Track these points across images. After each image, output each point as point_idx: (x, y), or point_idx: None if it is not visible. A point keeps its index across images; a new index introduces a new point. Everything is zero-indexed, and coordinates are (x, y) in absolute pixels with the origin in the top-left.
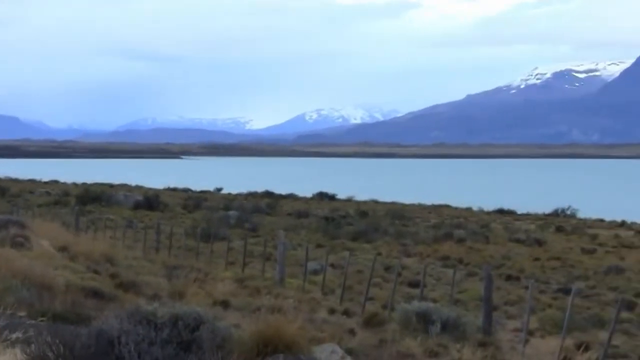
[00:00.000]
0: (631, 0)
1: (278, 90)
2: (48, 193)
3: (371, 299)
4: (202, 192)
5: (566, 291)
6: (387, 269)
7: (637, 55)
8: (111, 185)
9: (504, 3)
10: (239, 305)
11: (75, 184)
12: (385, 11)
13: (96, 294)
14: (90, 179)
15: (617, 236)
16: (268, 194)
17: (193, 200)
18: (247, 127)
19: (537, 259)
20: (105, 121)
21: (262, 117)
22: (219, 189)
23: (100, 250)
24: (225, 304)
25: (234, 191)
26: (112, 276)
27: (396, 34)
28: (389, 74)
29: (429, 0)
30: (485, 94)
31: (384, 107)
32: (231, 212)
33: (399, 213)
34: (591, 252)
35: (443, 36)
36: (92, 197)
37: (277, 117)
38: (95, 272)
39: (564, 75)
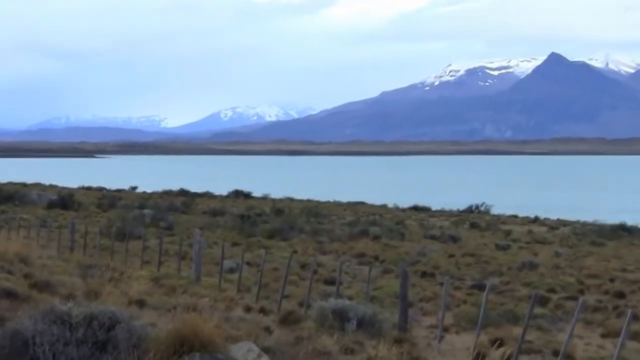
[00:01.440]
0: None
1: (193, 88)
2: None
3: (287, 296)
4: (117, 190)
5: (481, 287)
6: (303, 266)
7: (549, 52)
8: (25, 185)
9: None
10: (155, 305)
11: None
12: (301, 8)
13: (10, 294)
14: (3, 178)
15: (530, 232)
16: (183, 193)
17: (108, 199)
18: (162, 125)
19: (451, 256)
20: (17, 120)
21: (177, 115)
22: (134, 188)
23: (14, 250)
24: (141, 303)
25: (149, 190)
26: (26, 276)
27: (312, 31)
28: (304, 71)
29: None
30: (400, 90)
31: (299, 105)
32: (146, 211)
33: (314, 211)
34: (505, 248)
35: (358, 33)
36: (6, 196)
37: (192, 115)
38: (9, 272)
39: (477, 72)
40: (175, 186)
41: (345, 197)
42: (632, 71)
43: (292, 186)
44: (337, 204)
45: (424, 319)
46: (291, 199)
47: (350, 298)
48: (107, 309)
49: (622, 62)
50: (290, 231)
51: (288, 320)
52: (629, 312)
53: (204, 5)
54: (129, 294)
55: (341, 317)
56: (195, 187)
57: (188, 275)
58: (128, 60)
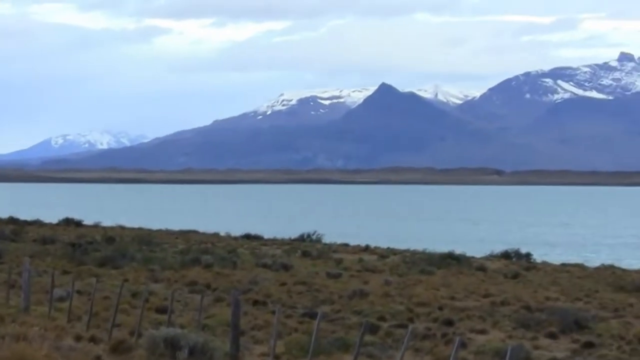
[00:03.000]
0: (375, 30)
1: (23, 115)
2: None
3: (118, 325)
4: None
5: (312, 315)
6: (135, 295)
7: (380, 83)
8: None
9: (252, 29)
10: None
11: None
12: (135, 36)
13: None
14: None
15: (361, 260)
16: (12, 220)
17: None
18: None
19: (283, 284)
20: None
21: (6, 142)
22: None
23: None
24: None
25: None
26: None
27: (145, 59)
28: (136, 99)
29: (179, 26)
30: (232, 119)
31: (131, 133)
32: None
33: (146, 239)
34: (336, 276)
35: (191, 61)
36: None
37: (22, 142)
38: None
39: (309, 102)
40: (4, 214)
41: (177, 225)
42: (460, 102)
43: (123, 214)
44: (169, 232)
45: (255, 348)
46: (122, 227)
47: (182, 326)
48: None
49: (450, 94)
50: (122, 259)
51: (119, 349)
52: (457, 339)
53: (35, 31)
54: None
55: (172, 345)
56: (25, 215)
57: (17, 304)
58: None
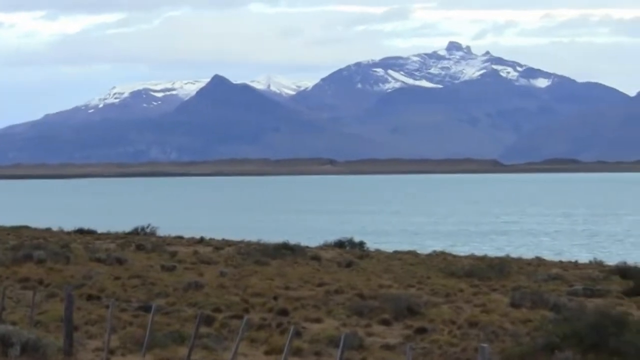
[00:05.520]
0: (210, 21)
1: None
2: None
3: None
4: None
5: (147, 309)
6: None
7: (213, 75)
8: None
9: (84, 22)
10: None
11: None
12: None
13: None
14: None
15: (196, 252)
16: None
17: None
18: None
19: (118, 278)
20: None
21: None
22: None
23: None
24: None
25: None
26: None
27: None
28: None
29: (10, 19)
30: (64, 113)
31: None
32: None
33: None
34: (171, 269)
35: (22, 55)
36: None
37: None
38: None
39: (141, 94)
40: None
41: (8, 221)
42: (293, 93)
43: None
44: (0, 228)
45: (90, 342)
46: None
47: (13, 324)
48: None
49: (283, 85)
50: None
51: None
52: (292, 328)
53: None
54: None
55: (4, 343)
56: None
57: None
58: None
